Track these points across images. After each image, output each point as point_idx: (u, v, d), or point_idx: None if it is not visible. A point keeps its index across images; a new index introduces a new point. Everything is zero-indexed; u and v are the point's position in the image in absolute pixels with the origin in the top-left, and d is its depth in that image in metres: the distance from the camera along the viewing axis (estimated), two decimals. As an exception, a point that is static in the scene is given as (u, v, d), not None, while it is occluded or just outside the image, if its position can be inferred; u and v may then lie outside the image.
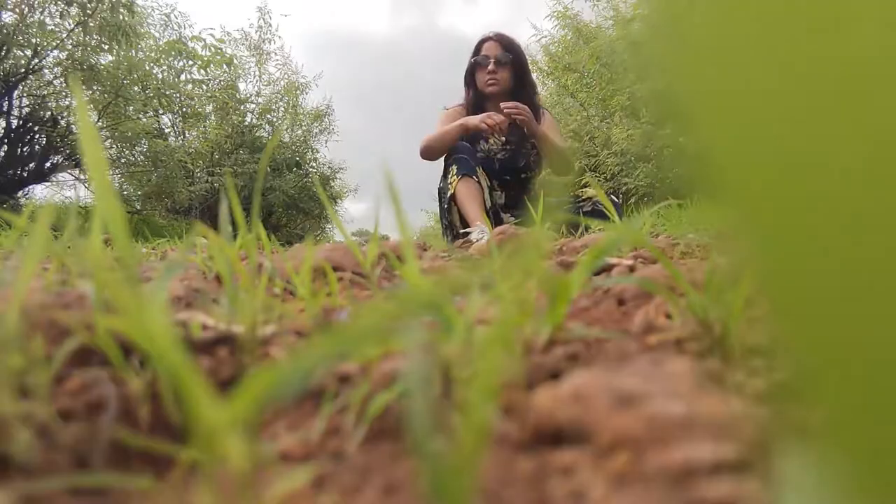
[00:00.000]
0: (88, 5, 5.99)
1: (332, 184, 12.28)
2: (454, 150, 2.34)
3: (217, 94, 9.22)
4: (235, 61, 9.87)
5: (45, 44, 6.07)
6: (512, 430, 0.27)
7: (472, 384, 0.18)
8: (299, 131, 11.10)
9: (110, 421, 0.28)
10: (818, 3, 0.09)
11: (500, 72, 2.45)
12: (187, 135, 9.35)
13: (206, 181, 8.85)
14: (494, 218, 2.41)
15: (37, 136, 7.00)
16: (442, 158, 2.43)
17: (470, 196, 2.23)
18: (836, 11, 0.09)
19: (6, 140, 6.60)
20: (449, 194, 2.28)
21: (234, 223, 0.56)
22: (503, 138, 2.45)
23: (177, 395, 0.30)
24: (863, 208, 0.09)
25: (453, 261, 1.07)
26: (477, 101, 2.52)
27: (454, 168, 2.29)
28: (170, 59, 8.39)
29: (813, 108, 0.09)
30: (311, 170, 10.90)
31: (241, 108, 9.98)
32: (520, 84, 2.50)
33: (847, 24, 0.09)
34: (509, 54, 2.46)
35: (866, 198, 0.09)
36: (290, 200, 9.89)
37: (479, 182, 2.28)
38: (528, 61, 2.64)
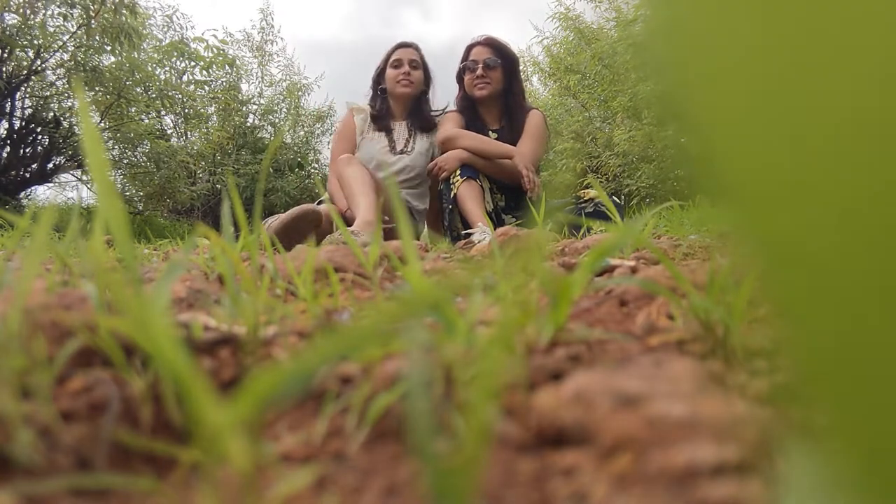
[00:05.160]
0: (91, 7, 6.01)
1: (334, 185, 12.24)
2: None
3: (219, 95, 9.23)
4: (238, 62, 9.88)
5: (48, 45, 6.09)
6: (513, 431, 0.27)
7: (474, 385, 0.18)
8: (301, 132, 11.11)
9: (112, 422, 0.28)
10: (820, 1, 0.09)
11: (488, 75, 2.46)
12: (189, 136, 9.36)
13: (208, 182, 8.86)
14: (495, 220, 2.41)
15: (39, 137, 7.01)
16: None
17: (472, 198, 2.24)
18: (840, 10, 0.09)
19: (9, 141, 6.61)
20: (452, 195, 2.29)
21: (236, 224, 0.57)
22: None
23: (179, 396, 0.30)
24: (866, 209, 0.09)
25: (455, 262, 1.07)
26: (467, 104, 2.53)
27: (458, 170, 2.30)
28: (172, 61, 8.40)
29: (815, 107, 0.09)
30: (312, 171, 10.91)
31: (244, 109, 9.98)
32: (509, 87, 2.51)
33: (850, 23, 0.09)
34: (497, 59, 2.47)
35: (870, 198, 0.09)
36: (291, 201, 9.89)
37: (481, 185, 2.30)
38: (520, 64, 2.64)
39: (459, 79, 2.56)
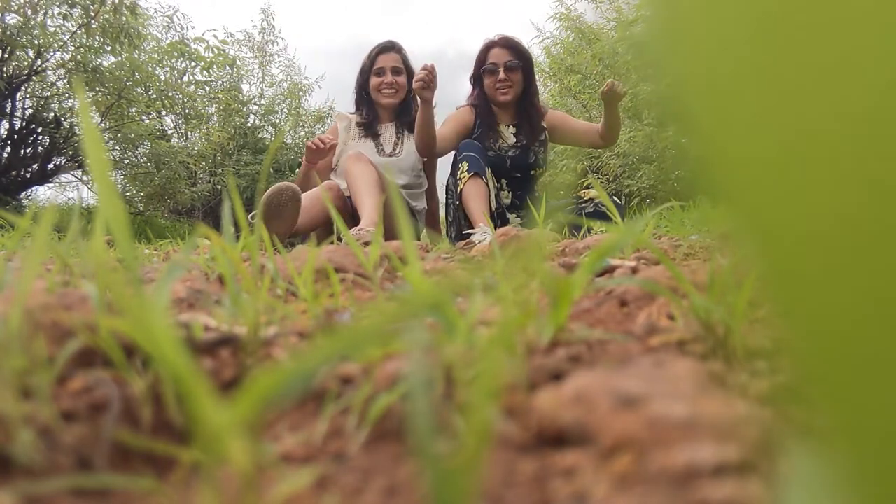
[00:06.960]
0: (91, 7, 6.01)
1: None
2: (465, 148, 2.33)
3: (220, 96, 9.23)
4: (238, 63, 9.87)
5: (48, 45, 6.09)
6: (514, 431, 0.27)
7: (475, 385, 0.18)
8: (302, 133, 11.10)
9: (112, 422, 0.28)
10: (820, 2, 0.09)
11: (510, 78, 2.43)
12: (190, 136, 9.36)
13: (209, 182, 8.86)
14: (500, 219, 2.41)
15: (40, 137, 7.01)
16: (451, 155, 2.44)
17: (477, 196, 2.22)
18: (839, 11, 0.09)
19: (9, 141, 6.61)
20: (458, 191, 2.28)
21: (236, 224, 0.56)
22: (514, 140, 2.47)
23: (179, 396, 0.30)
24: (866, 208, 0.09)
25: (456, 262, 1.07)
26: (486, 108, 2.50)
27: (465, 165, 2.28)
28: (172, 61, 8.40)
29: (814, 107, 0.09)
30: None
31: (244, 109, 9.98)
32: (527, 87, 2.50)
33: (850, 24, 0.09)
34: (518, 60, 2.44)
35: (869, 198, 0.09)
36: (292, 202, 9.86)
37: (487, 183, 2.29)
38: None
39: (476, 80, 2.52)
